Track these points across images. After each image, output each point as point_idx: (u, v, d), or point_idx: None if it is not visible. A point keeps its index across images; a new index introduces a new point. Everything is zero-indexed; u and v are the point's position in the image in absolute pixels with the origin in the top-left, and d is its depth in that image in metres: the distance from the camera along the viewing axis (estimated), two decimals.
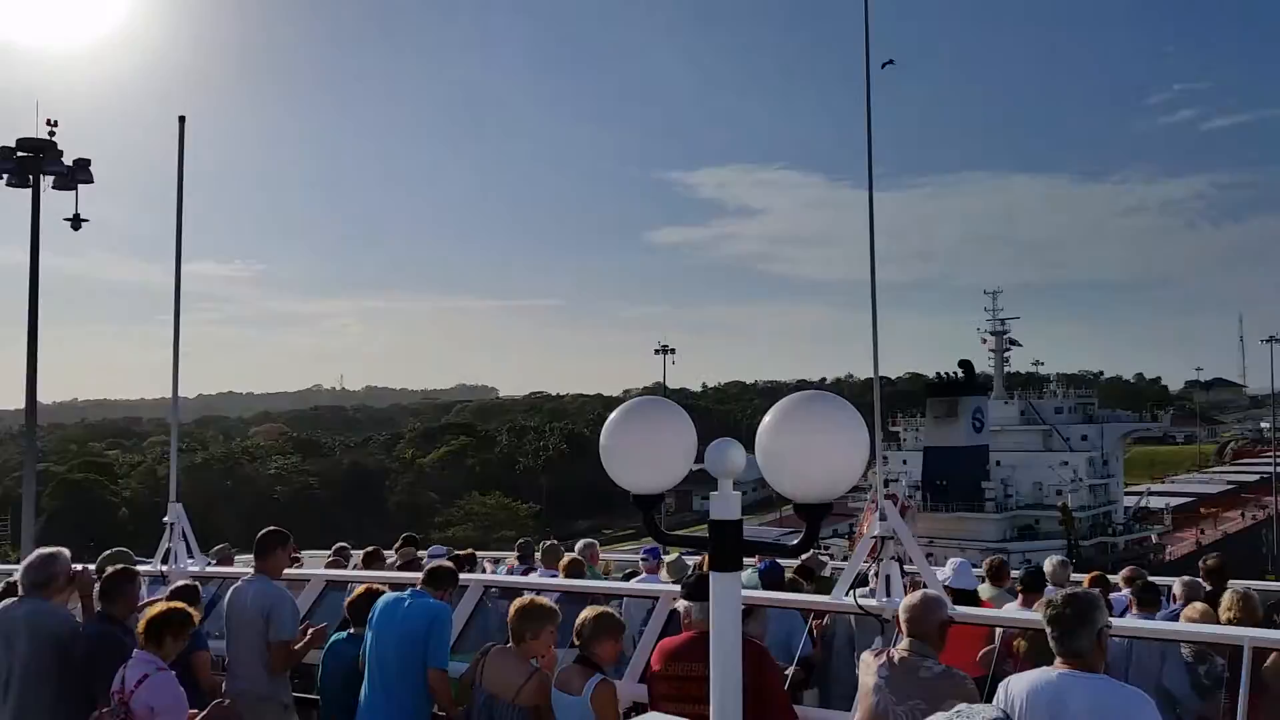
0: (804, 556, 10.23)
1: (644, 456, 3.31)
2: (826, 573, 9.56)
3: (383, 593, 6.03)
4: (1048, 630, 3.86)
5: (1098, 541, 64.53)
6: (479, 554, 14.35)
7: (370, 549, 11.46)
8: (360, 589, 6.37)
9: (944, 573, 7.99)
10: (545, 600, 5.46)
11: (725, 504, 3.16)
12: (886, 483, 66.72)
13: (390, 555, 12.02)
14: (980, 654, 6.08)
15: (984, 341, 74.71)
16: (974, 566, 9.05)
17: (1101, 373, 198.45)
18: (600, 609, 5.04)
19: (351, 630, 6.23)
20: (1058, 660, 3.82)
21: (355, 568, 11.20)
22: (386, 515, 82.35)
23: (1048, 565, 8.69)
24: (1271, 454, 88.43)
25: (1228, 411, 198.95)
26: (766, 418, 3.11)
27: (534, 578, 9.79)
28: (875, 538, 5.27)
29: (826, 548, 40.39)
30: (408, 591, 5.85)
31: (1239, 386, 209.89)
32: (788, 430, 3.05)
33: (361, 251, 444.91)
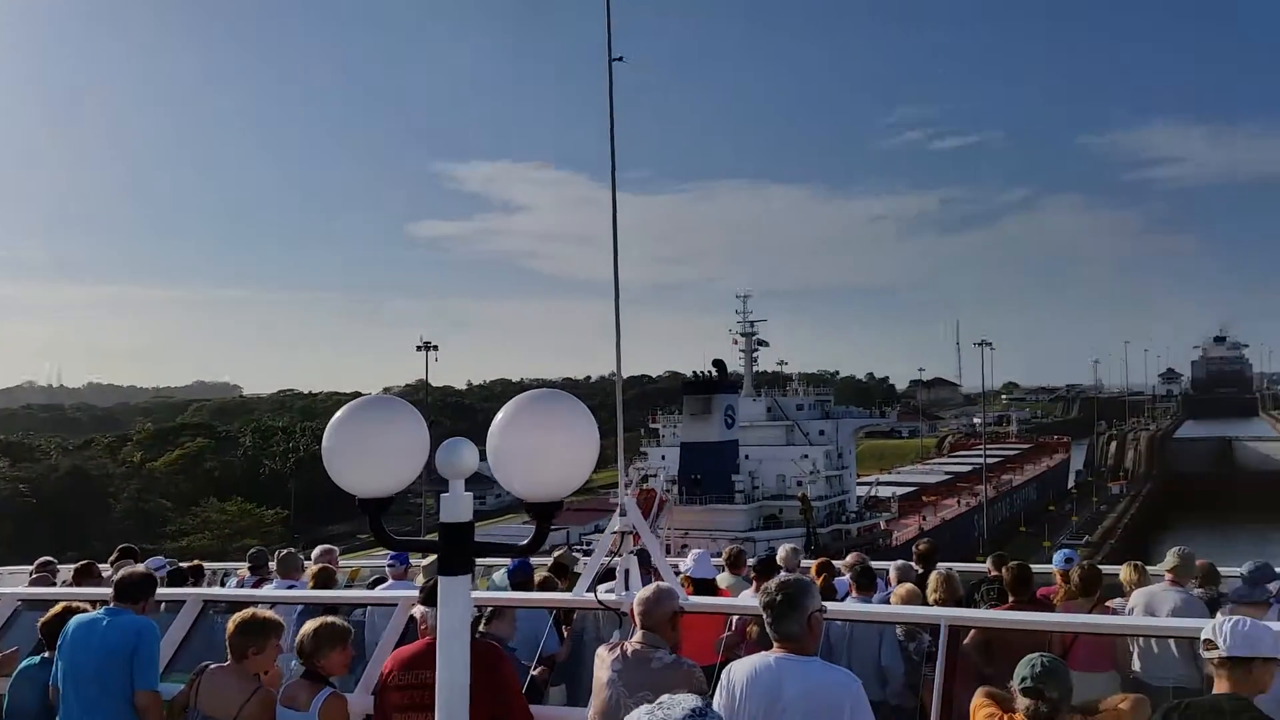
0: (557, 554, 10.32)
1: (369, 458, 3.16)
2: (581, 568, 9.64)
3: (82, 611, 5.45)
4: (764, 616, 4.07)
5: (834, 529, 69.44)
6: (210, 566, 13.37)
7: (83, 563, 10.36)
8: (57, 608, 5.71)
9: (685, 563, 8.30)
10: (267, 612, 5.13)
11: (456, 505, 3.08)
12: (646, 478, 68.85)
13: (106, 570, 10.94)
14: (716, 640, 6.36)
15: (735, 342, 78.51)
16: (715, 556, 9.45)
17: (838, 372, 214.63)
18: (322, 619, 4.81)
19: (46, 654, 5.59)
20: (775, 645, 4.04)
21: (65, 584, 10.10)
22: (113, 526, 74.98)
23: (780, 552, 9.19)
24: (982, 447, 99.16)
25: (946, 408, 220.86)
26: (498, 416, 3.08)
27: (268, 589, 9.22)
28: (616, 533, 5.36)
29: (589, 544, 40.98)
30: (102, 609, 5.32)
31: (955, 385, 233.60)
32: (516, 429, 3.03)
33: (84, 234, 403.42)
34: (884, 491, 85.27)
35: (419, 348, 70.07)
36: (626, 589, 5.29)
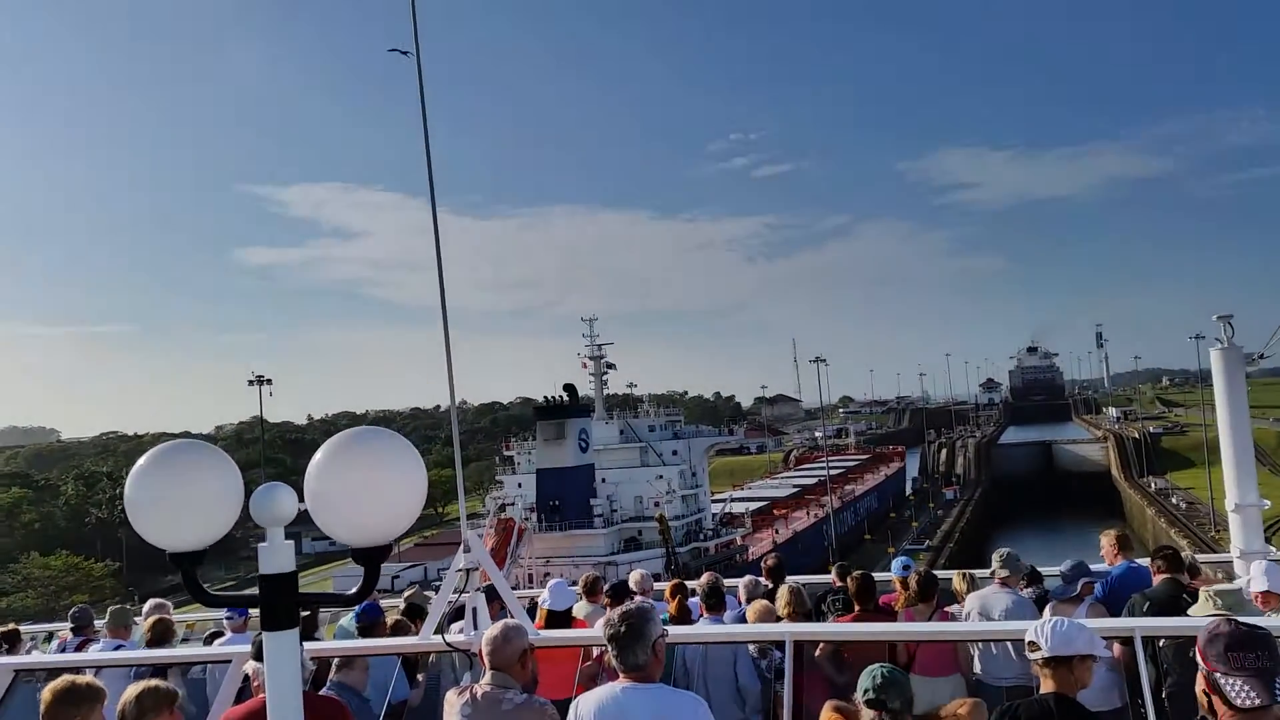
0: (407, 594, 9.95)
1: (178, 509, 2.88)
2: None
3: None
4: (609, 648, 4.02)
5: (692, 547, 70.35)
6: (29, 629, 12.22)
7: None
8: None
9: (543, 595, 8.14)
10: (87, 679, 4.66)
11: (276, 555, 2.87)
12: (504, 506, 67.85)
13: None
14: (576, 672, 6.25)
15: (584, 366, 78.63)
16: (572, 585, 9.32)
17: (686, 392, 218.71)
18: (146, 683, 4.42)
19: None
20: (621, 675, 3.99)
21: None
22: None
23: (633, 577, 9.18)
24: (825, 459, 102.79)
25: (789, 423, 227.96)
26: (315, 457, 2.87)
27: (93, 651, 8.49)
28: (461, 570, 5.18)
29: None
30: None
31: (796, 401, 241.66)
32: (335, 471, 2.84)
33: None
34: (737, 507, 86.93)
35: (251, 382, 66.82)
36: (475, 628, 5.12)
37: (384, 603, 11.24)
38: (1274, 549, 8.48)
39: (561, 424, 70.28)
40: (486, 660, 4.45)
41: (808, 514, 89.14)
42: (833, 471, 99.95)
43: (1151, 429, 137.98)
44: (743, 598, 8.39)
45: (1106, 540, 7.98)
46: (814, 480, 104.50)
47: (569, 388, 74.23)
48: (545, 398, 74.85)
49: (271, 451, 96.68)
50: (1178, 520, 79.45)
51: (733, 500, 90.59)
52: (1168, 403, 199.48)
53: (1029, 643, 3.95)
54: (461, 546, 5.10)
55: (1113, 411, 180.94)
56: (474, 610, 5.18)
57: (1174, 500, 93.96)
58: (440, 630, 5.33)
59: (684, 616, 8.03)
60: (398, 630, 7.71)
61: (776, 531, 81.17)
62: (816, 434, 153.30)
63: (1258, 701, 2.75)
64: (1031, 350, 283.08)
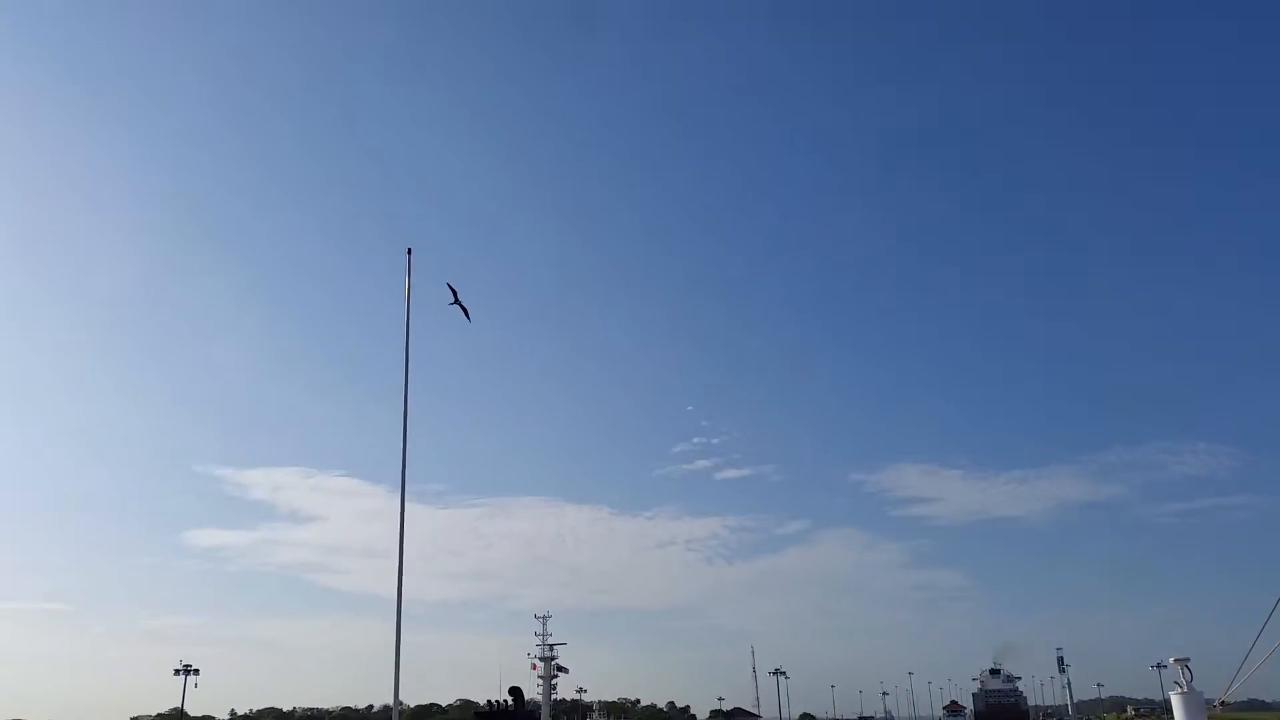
0: None
1: None
2: None
3: None
4: None
5: None
6: None
7: None
8: None
9: None
10: None
11: None
12: None
13: None
14: None
15: (534, 667, 75.18)
16: None
17: (639, 700, 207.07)
18: None
19: None
20: None
21: None
22: None
23: None
24: None
25: None
26: None
27: None
28: None
29: None
30: None
31: (755, 716, 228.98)
32: None
33: None
34: None
35: (177, 671, 62.82)
36: None
37: None
38: None
39: None
40: None
41: None
42: None
43: None
44: None
45: None
46: None
47: (515, 691, 70.34)
48: (488, 701, 70.60)
49: None
50: None
51: None
52: None
53: None
54: None
55: None
56: None
57: None
58: None
59: None
60: None
61: None
62: None
63: None
64: (994, 672, 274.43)
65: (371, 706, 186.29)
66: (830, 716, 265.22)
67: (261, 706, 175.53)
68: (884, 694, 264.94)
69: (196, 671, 63.74)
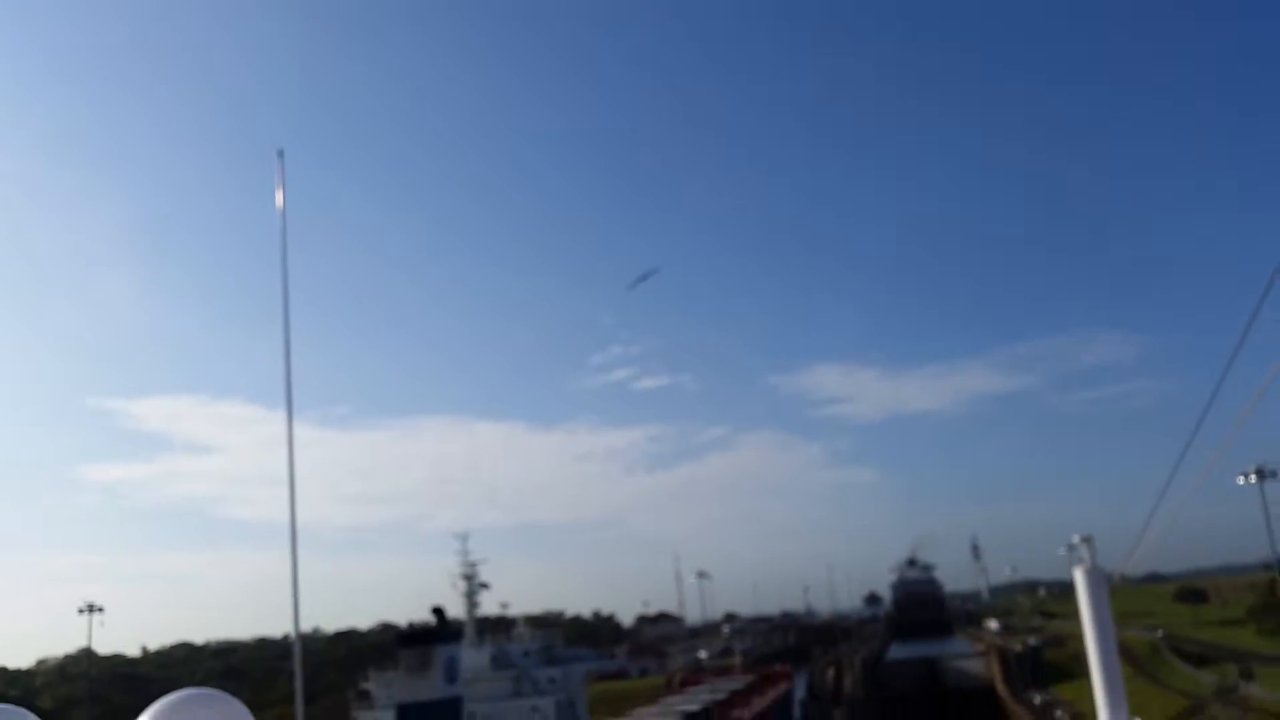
0: None
1: None
2: None
3: None
4: None
5: None
6: None
7: None
8: None
9: None
10: None
11: None
12: None
13: None
14: None
15: (455, 586, 74.94)
16: None
17: (564, 611, 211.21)
18: None
19: None
20: None
21: None
22: None
23: None
24: (710, 682, 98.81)
25: (673, 643, 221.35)
26: None
27: None
28: None
29: None
30: None
31: (679, 619, 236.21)
32: None
33: None
34: None
35: (81, 610, 60.80)
36: None
37: None
38: None
39: (427, 651, 65.34)
40: None
41: None
42: (718, 696, 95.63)
43: (1032, 641, 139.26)
44: None
45: None
46: (698, 706, 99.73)
47: (437, 610, 69.78)
48: (410, 623, 70.19)
49: (99, 688, 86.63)
50: None
51: None
52: (1046, 614, 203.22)
53: None
54: None
55: (993, 624, 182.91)
56: None
57: (1058, 714, 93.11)
58: None
59: None
60: None
61: None
62: (701, 654, 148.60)
63: None
64: (911, 563, 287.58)
65: (287, 636, 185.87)
66: (754, 614, 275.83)
67: (173, 642, 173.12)
68: (805, 589, 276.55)
69: (101, 610, 61.97)
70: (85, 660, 73.07)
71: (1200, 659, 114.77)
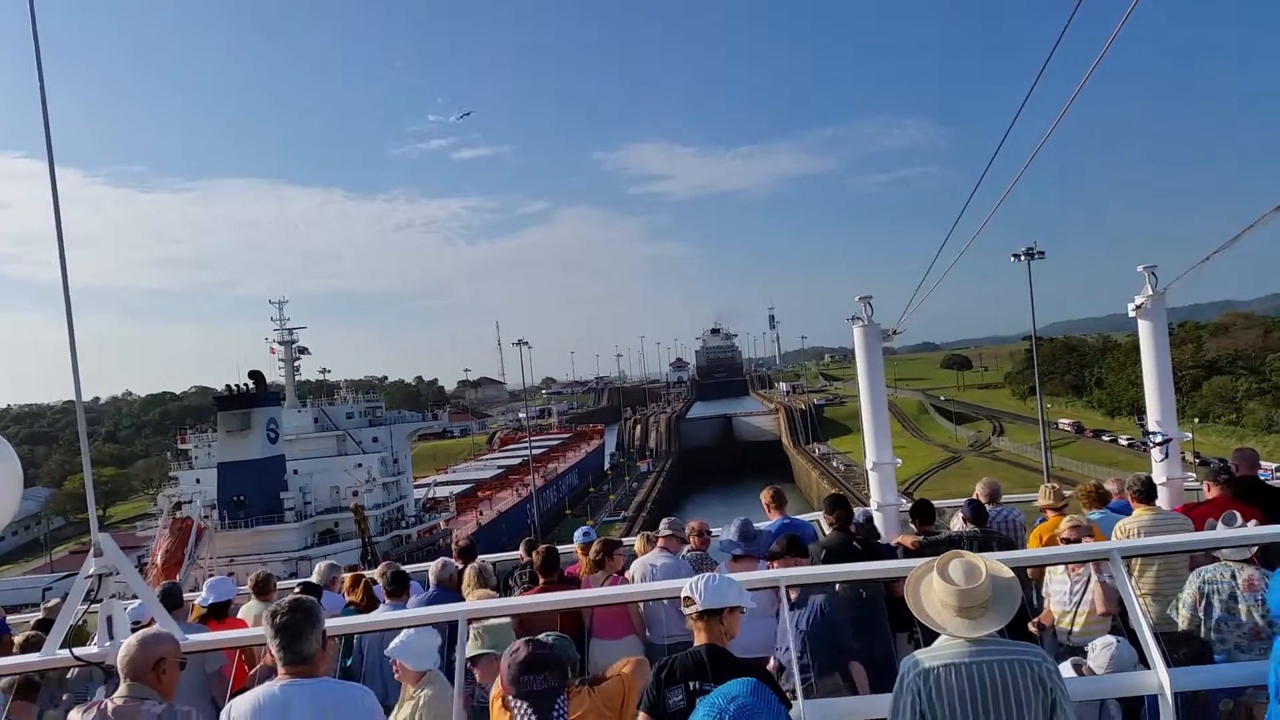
0: (47, 607, 8.88)
1: None
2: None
3: None
4: (273, 640, 3.78)
5: (393, 535, 68.66)
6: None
7: None
8: None
9: (202, 595, 7.57)
10: None
11: None
12: (179, 505, 62.29)
13: None
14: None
15: (273, 351, 74.00)
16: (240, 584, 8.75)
17: (386, 377, 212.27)
18: None
19: None
20: (283, 669, 3.76)
21: None
22: None
23: (317, 570, 8.78)
24: (528, 439, 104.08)
25: (494, 406, 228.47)
26: None
27: None
28: (92, 576, 4.61)
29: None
30: None
31: (501, 383, 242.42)
32: None
33: None
34: (442, 491, 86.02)
35: None
36: (110, 639, 4.61)
37: (18, 619, 9.96)
38: (905, 501, 9.62)
39: (247, 413, 65.73)
40: (122, 673, 4.02)
41: (513, 493, 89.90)
42: (536, 451, 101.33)
43: (816, 401, 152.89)
44: (432, 580, 8.25)
45: (764, 498, 8.69)
46: (518, 460, 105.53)
47: (255, 374, 69.37)
48: (228, 386, 69.54)
49: None
50: (838, 481, 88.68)
51: (436, 485, 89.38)
52: (830, 377, 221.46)
53: (685, 598, 4.17)
54: (92, 550, 4.53)
55: (783, 386, 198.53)
56: (109, 619, 4.66)
57: (834, 463, 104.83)
58: (67, 645, 4.73)
59: (372, 606, 7.81)
60: (29, 648, 6.80)
61: (481, 513, 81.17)
62: (520, 415, 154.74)
63: None
64: (715, 332, 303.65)
65: (97, 399, 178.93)
66: (570, 379, 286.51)
67: None
68: (618, 355, 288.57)
69: None
70: None
71: (960, 417, 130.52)
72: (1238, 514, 6.28)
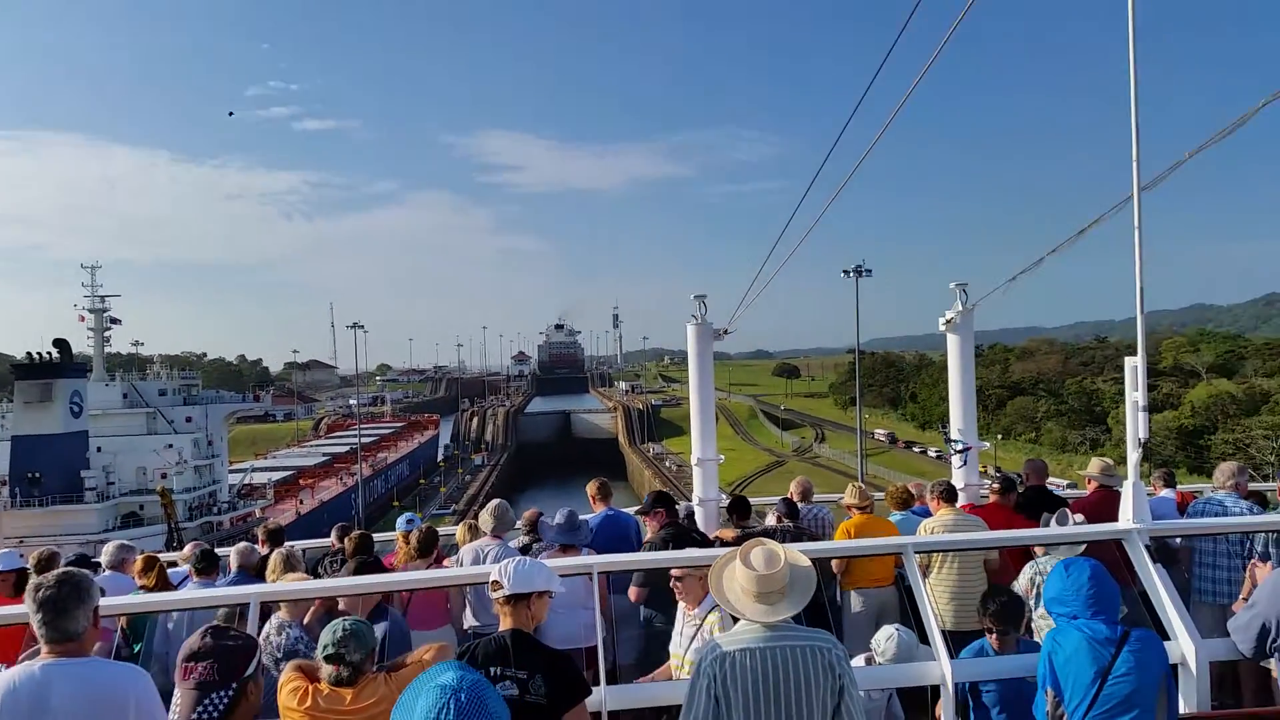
0: None
1: None
2: None
3: None
4: (35, 616, 3.48)
5: (203, 521, 65.13)
6: None
7: None
8: None
9: None
10: None
11: None
12: None
13: None
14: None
15: (82, 319, 68.93)
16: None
17: (206, 354, 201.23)
18: None
19: None
20: (46, 649, 3.47)
21: None
22: None
23: (106, 550, 8.23)
24: (358, 427, 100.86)
25: (322, 390, 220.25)
26: None
27: None
28: None
29: None
30: None
31: (332, 367, 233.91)
32: None
33: None
34: (259, 478, 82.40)
35: None
36: None
37: None
38: (725, 497, 9.88)
39: (49, 385, 60.98)
40: None
41: (338, 482, 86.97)
42: (365, 439, 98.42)
43: (654, 401, 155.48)
44: (233, 565, 7.86)
45: (590, 490, 8.75)
46: (346, 448, 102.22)
47: (60, 343, 64.36)
48: (28, 354, 64.21)
49: None
50: (668, 479, 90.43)
51: (254, 470, 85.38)
52: (669, 378, 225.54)
53: (492, 582, 4.11)
54: None
55: (623, 385, 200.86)
56: None
57: (667, 463, 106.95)
58: None
59: (164, 588, 7.37)
60: None
61: (301, 502, 78.10)
62: (351, 401, 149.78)
63: None
64: (559, 327, 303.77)
65: None
66: (408, 367, 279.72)
67: None
68: (459, 345, 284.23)
69: None
70: None
71: (787, 424, 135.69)
72: (1069, 512, 6.93)
